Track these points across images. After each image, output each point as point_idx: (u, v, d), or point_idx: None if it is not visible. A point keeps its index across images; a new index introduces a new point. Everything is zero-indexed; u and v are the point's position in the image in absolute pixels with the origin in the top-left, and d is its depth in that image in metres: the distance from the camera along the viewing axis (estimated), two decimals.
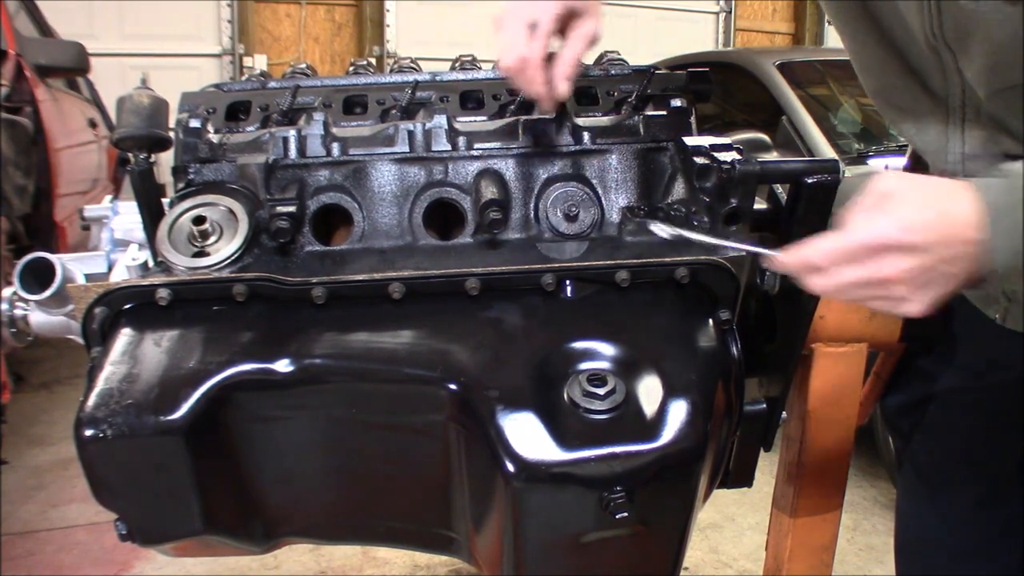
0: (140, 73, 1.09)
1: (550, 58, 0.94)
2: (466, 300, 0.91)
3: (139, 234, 1.02)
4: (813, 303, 1.00)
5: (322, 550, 2.56)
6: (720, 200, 0.92)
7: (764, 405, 1.06)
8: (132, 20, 6.23)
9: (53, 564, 2.49)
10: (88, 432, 0.80)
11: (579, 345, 0.88)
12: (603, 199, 1.01)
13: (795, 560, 1.19)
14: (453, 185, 1.00)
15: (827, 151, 3.23)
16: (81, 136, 4.03)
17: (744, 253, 0.90)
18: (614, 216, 1.01)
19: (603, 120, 1.05)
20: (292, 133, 0.99)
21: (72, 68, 3.78)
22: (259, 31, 6.86)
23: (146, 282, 0.88)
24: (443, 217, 1.02)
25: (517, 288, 0.91)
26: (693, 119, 1.07)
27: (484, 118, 1.07)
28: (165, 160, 1.02)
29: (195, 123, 1.00)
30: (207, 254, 0.92)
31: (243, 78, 1.30)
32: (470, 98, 1.12)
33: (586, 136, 1.02)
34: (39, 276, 0.98)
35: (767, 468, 1.13)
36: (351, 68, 1.23)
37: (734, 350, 0.93)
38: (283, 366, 0.85)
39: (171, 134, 0.97)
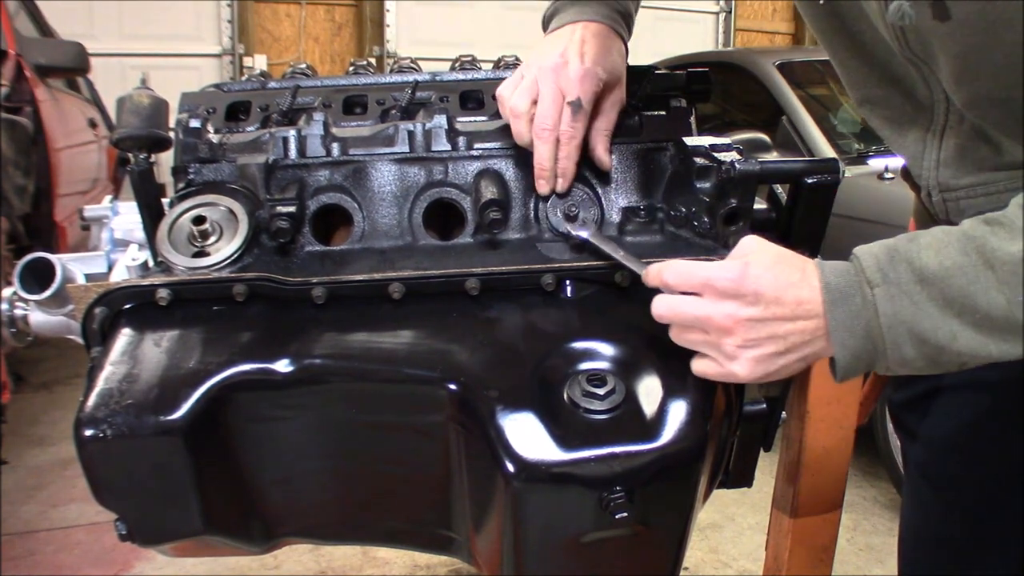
0: (140, 73, 1.09)
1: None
2: (466, 300, 0.91)
3: (139, 234, 1.02)
4: None
5: (322, 550, 2.56)
6: (720, 200, 0.92)
7: (764, 405, 1.06)
8: (132, 20, 6.23)
9: (53, 564, 2.49)
10: (88, 432, 0.80)
11: (579, 345, 0.88)
12: (603, 199, 1.01)
13: (795, 560, 1.19)
14: (453, 185, 1.00)
15: (827, 151, 3.23)
16: (81, 136, 4.03)
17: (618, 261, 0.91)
18: (614, 216, 1.01)
19: None
20: (292, 133, 0.99)
21: (72, 68, 3.78)
22: (259, 31, 6.86)
23: (146, 282, 0.88)
24: (443, 217, 1.02)
25: (517, 288, 0.91)
26: (693, 119, 1.07)
27: (484, 118, 1.07)
28: (165, 160, 1.02)
29: (195, 123, 1.00)
30: (207, 254, 0.92)
31: (243, 78, 1.31)
32: (470, 98, 1.12)
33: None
34: (39, 276, 0.98)
35: (767, 468, 1.13)
36: (351, 68, 1.23)
37: None
38: (283, 366, 0.85)
39: (171, 134, 0.97)
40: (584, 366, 0.86)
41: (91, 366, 0.86)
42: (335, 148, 0.99)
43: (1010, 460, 1.01)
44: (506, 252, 0.96)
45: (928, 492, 1.10)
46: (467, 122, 1.05)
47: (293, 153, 0.98)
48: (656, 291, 0.83)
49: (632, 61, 1.06)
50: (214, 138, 1.01)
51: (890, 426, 2.62)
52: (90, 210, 1.14)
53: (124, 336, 0.86)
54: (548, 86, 0.95)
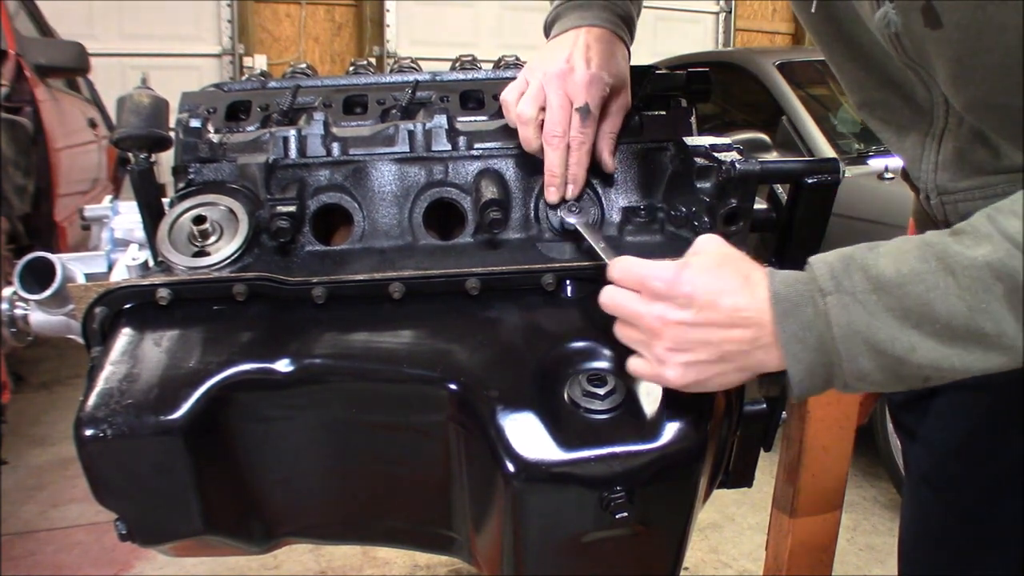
0: (140, 73, 1.09)
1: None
2: (466, 300, 0.91)
3: (139, 234, 1.02)
4: None
5: (322, 550, 2.56)
6: (720, 200, 0.92)
7: (764, 405, 1.06)
8: (132, 20, 6.22)
9: (53, 564, 2.49)
10: (88, 432, 0.80)
11: (579, 345, 0.88)
12: (603, 199, 1.01)
13: (795, 560, 1.19)
14: (453, 185, 1.00)
15: (827, 151, 3.23)
16: (81, 136, 4.03)
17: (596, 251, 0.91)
18: (614, 216, 1.01)
19: None
20: (292, 133, 0.99)
21: (72, 68, 3.78)
22: (259, 31, 6.85)
23: (146, 282, 0.88)
24: (443, 217, 1.02)
25: (517, 288, 0.91)
26: (693, 119, 1.07)
27: (484, 118, 1.07)
28: (165, 160, 1.02)
29: (195, 123, 1.00)
30: (207, 254, 0.92)
31: (243, 78, 1.30)
32: (470, 98, 1.12)
33: None
34: (39, 276, 0.98)
35: (767, 468, 1.13)
36: (351, 68, 1.23)
37: None
38: (283, 366, 0.85)
39: (171, 134, 0.97)
40: (584, 366, 0.86)
41: (91, 366, 0.86)
42: (335, 148, 0.99)
43: (1010, 461, 1.01)
44: (506, 252, 0.96)
45: (928, 493, 1.11)
46: (467, 122, 1.05)
47: (293, 153, 0.98)
48: None
49: (632, 61, 1.07)
50: (214, 138, 1.01)
51: (890, 426, 2.62)
52: (90, 210, 1.14)
53: (124, 336, 0.86)
54: (555, 92, 0.95)
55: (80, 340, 0.91)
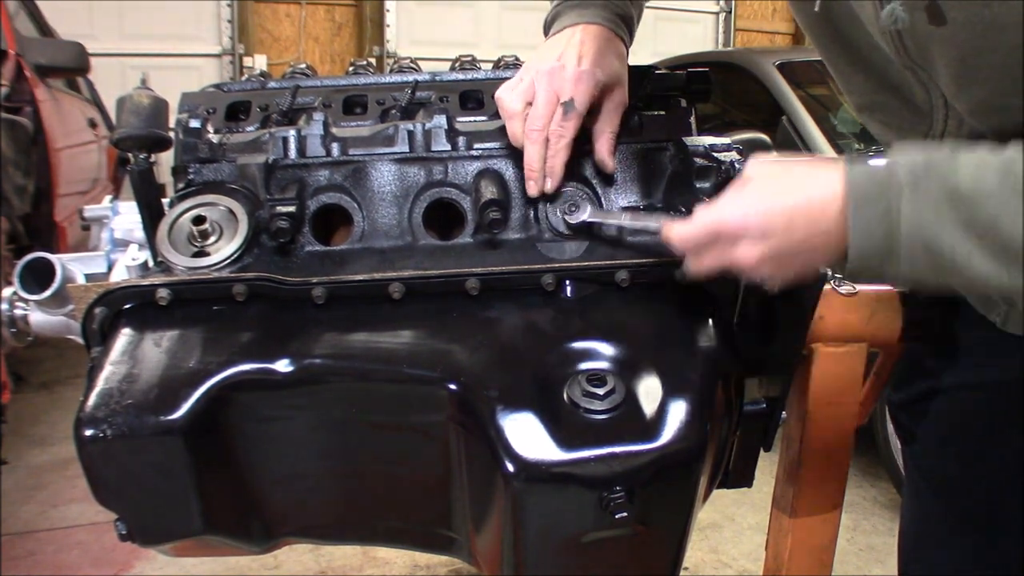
0: (140, 73, 1.09)
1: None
2: (466, 300, 0.91)
3: (139, 234, 1.02)
4: (813, 303, 1.00)
5: (322, 550, 2.56)
6: None
7: (764, 405, 1.06)
8: (132, 20, 6.22)
9: (53, 564, 2.49)
10: (88, 432, 0.80)
11: (579, 345, 0.88)
12: (603, 199, 1.01)
13: (795, 560, 1.19)
14: (453, 185, 1.00)
15: (827, 151, 3.23)
16: (81, 136, 4.03)
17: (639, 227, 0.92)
18: None
19: None
20: (292, 133, 0.99)
21: (72, 68, 3.78)
22: (259, 31, 6.86)
23: (146, 282, 0.88)
24: (443, 217, 1.02)
25: (517, 288, 0.91)
26: (693, 119, 1.07)
27: (484, 118, 1.07)
28: (165, 160, 1.02)
29: (195, 123, 1.00)
30: (207, 254, 0.92)
31: (243, 78, 1.31)
32: (470, 98, 1.12)
33: (586, 136, 1.02)
34: (39, 276, 0.98)
35: (767, 468, 1.13)
36: (351, 68, 1.23)
37: (734, 350, 0.93)
38: (283, 366, 0.85)
39: (171, 134, 0.97)
40: (584, 366, 0.86)
41: (91, 366, 0.86)
42: (335, 148, 0.99)
43: (1008, 461, 1.01)
44: (506, 252, 0.96)
45: (927, 493, 1.11)
46: (467, 122, 1.05)
47: (293, 153, 0.98)
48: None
49: (632, 61, 1.07)
50: (214, 138, 1.01)
51: (890, 426, 2.62)
52: (90, 210, 1.14)
53: (124, 336, 0.86)
54: (543, 88, 0.96)
55: (80, 340, 0.91)
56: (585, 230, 0.98)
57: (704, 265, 0.82)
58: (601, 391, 0.83)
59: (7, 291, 1.00)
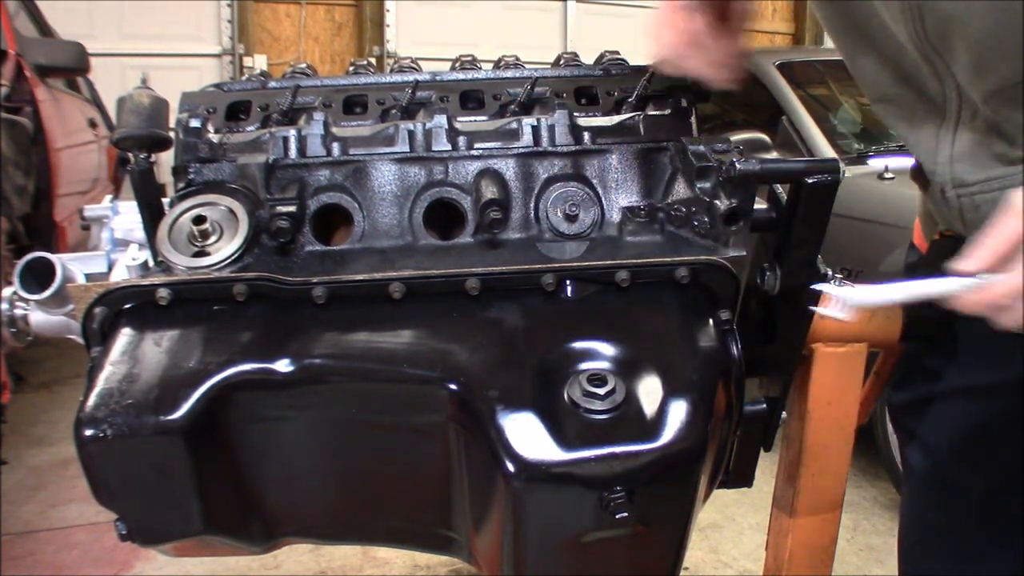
0: (140, 73, 1.09)
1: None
2: (466, 300, 0.91)
3: (139, 234, 1.02)
4: (813, 303, 1.00)
5: (322, 550, 2.56)
6: (720, 200, 0.92)
7: (764, 405, 1.06)
8: (132, 20, 6.23)
9: (53, 564, 2.49)
10: (88, 432, 0.80)
11: (579, 345, 0.88)
12: (603, 199, 1.01)
13: (795, 560, 1.19)
14: (453, 185, 1.00)
15: (827, 151, 3.23)
16: (81, 136, 4.03)
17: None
18: (614, 216, 1.01)
19: (603, 120, 1.05)
20: (292, 133, 0.99)
21: (72, 68, 3.79)
22: (259, 31, 6.86)
23: (146, 282, 0.88)
24: (443, 217, 1.02)
25: (517, 288, 0.91)
26: (693, 119, 1.07)
27: (484, 118, 1.07)
28: (165, 160, 1.02)
29: (195, 123, 1.00)
30: (207, 254, 0.92)
31: (243, 78, 1.30)
32: (470, 98, 1.12)
33: (586, 136, 1.02)
34: (39, 276, 0.98)
35: (767, 468, 1.13)
36: (351, 68, 1.23)
37: (734, 350, 0.93)
38: (283, 366, 0.85)
39: (171, 134, 0.97)
40: (584, 366, 0.86)
41: (91, 366, 0.86)
42: (335, 148, 0.99)
43: (1010, 462, 1.01)
44: (506, 252, 0.96)
45: (928, 494, 1.10)
46: (467, 122, 1.05)
47: (293, 153, 0.98)
48: None
49: (632, 61, 1.07)
50: (214, 138, 1.01)
51: (890, 426, 2.62)
52: (90, 210, 1.14)
53: (124, 336, 0.86)
54: (666, 9, 0.99)
55: (80, 340, 0.91)
56: (584, 230, 0.98)
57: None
58: (601, 391, 0.82)
59: (7, 291, 1.00)
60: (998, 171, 0.86)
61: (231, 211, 0.94)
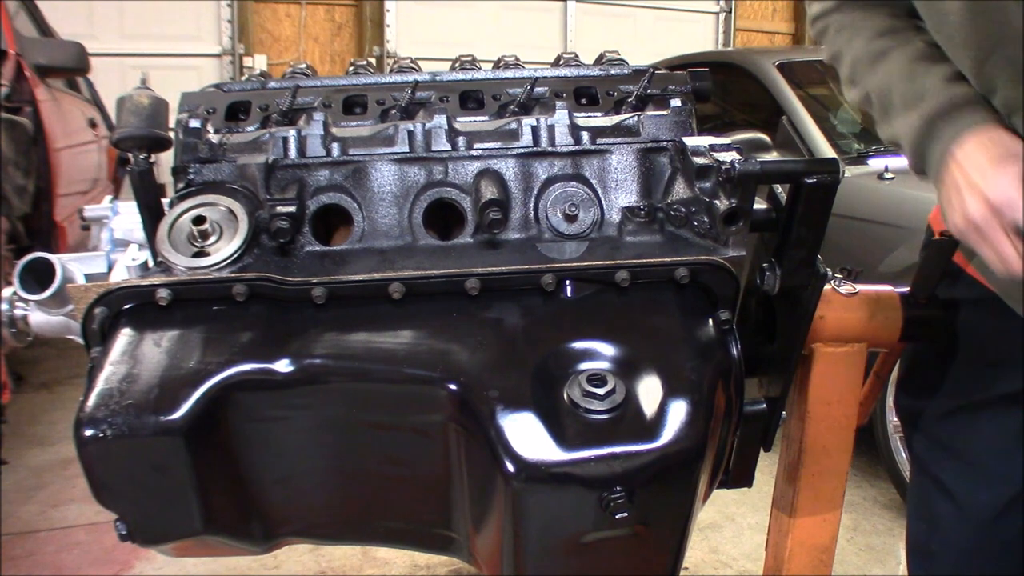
0: (140, 73, 1.09)
1: None
2: (466, 300, 0.91)
3: (139, 234, 1.02)
4: (813, 303, 1.00)
5: (322, 550, 2.56)
6: (720, 200, 0.92)
7: (764, 405, 1.06)
8: (132, 20, 6.22)
9: (53, 564, 2.49)
10: (88, 432, 0.80)
11: (579, 345, 0.88)
12: (603, 199, 1.01)
13: (795, 560, 1.19)
14: (453, 185, 1.00)
15: (827, 151, 3.23)
16: (81, 136, 4.03)
17: None
18: (614, 216, 1.01)
19: (603, 120, 1.05)
20: (292, 133, 0.99)
21: (72, 68, 3.78)
22: (259, 31, 6.86)
23: (146, 282, 0.88)
24: (443, 217, 1.02)
25: (517, 288, 0.91)
26: (693, 119, 1.07)
27: (484, 118, 1.07)
28: (165, 160, 1.02)
29: (195, 123, 1.00)
30: (207, 254, 0.92)
31: (243, 78, 1.30)
32: (470, 98, 1.12)
33: (586, 136, 1.02)
34: (39, 276, 0.98)
35: (767, 468, 1.13)
36: (351, 68, 1.23)
37: (734, 350, 0.93)
38: (283, 366, 0.85)
39: (171, 134, 0.97)
40: (584, 366, 0.86)
41: (91, 366, 0.86)
42: (335, 148, 0.99)
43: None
44: (506, 252, 0.96)
45: (940, 496, 1.08)
46: (467, 122, 1.05)
47: (293, 153, 0.98)
48: None
49: (632, 61, 1.06)
50: (214, 138, 1.01)
51: (890, 426, 2.62)
52: (90, 210, 1.14)
53: (124, 336, 0.86)
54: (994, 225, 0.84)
55: (80, 340, 0.91)
56: (584, 230, 0.98)
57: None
58: (601, 391, 0.82)
59: (7, 291, 1.00)
60: None
61: (231, 211, 0.94)
